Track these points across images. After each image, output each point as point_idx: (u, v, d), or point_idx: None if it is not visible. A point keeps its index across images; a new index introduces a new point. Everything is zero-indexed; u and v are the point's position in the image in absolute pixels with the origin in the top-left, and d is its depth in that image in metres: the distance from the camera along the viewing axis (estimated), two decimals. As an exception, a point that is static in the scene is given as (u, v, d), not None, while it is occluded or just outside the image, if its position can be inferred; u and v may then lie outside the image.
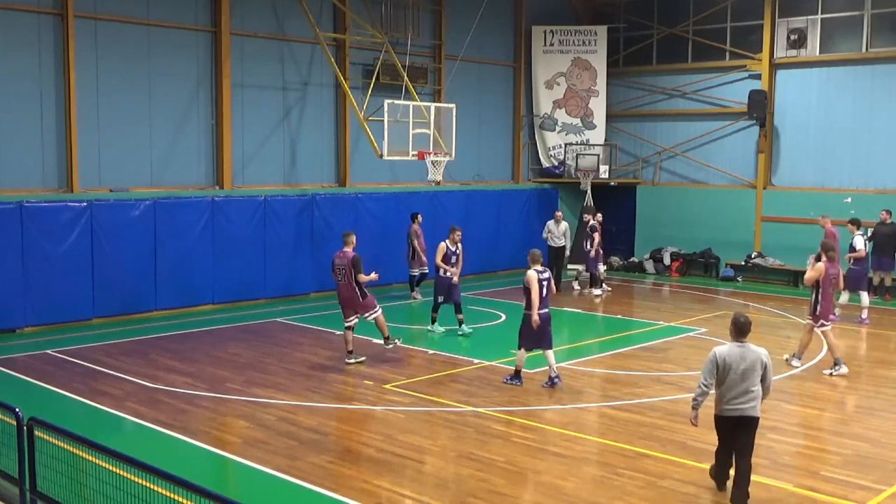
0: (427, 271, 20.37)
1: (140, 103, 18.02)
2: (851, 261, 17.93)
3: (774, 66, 23.52)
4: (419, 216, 20.30)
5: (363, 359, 13.96)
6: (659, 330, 17.08)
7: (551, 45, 26.19)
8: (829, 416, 11.53)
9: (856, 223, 18.17)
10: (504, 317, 17.56)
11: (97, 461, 7.45)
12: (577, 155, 25.23)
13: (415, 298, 20.12)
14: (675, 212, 25.11)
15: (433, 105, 20.07)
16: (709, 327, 16.98)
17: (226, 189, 19.18)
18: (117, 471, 7.10)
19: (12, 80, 16.28)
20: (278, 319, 17.60)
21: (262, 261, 19.39)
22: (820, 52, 22.84)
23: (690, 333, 16.56)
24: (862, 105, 22.12)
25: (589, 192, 24.54)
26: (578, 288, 21.64)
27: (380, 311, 14.03)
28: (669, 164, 25.78)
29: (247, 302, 19.16)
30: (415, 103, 19.27)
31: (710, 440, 8.98)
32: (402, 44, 21.13)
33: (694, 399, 8.49)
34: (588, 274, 21.62)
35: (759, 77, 23.64)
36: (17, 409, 7.61)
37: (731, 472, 8.50)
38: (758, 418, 8.33)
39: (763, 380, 8.29)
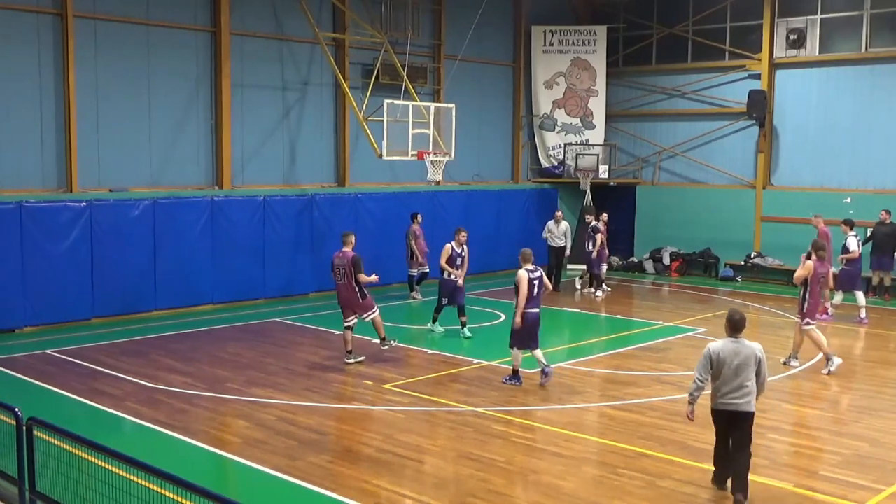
0: (427, 271, 20.37)
1: (139, 103, 18.02)
2: (844, 261, 17.95)
3: (774, 66, 23.52)
4: (418, 216, 20.30)
5: (362, 358, 13.97)
6: (658, 330, 17.09)
7: (551, 44, 26.19)
8: (829, 415, 11.53)
9: (849, 224, 18.19)
10: (503, 317, 17.55)
11: (97, 461, 7.45)
12: (576, 155, 25.24)
13: (414, 298, 20.12)
14: (675, 212, 25.11)
15: (433, 105, 20.07)
16: (708, 327, 16.98)
17: (225, 189, 19.17)
18: (117, 471, 7.10)
19: (12, 80, 16.28)
20: (278, 319, 17.60)
21: (261, 261, 19.39)
22: (819, 52, 22.85)
23: (690, 333, 16.56)
24: (861, 105, 22.13)
25: (588, 191, 24.56)
26: (579, 288, 21.59)
27: (377, 312, 14.04)
28: (669, 164, 25.79)
29: (246, 302, 19.16)
30: (414, 103, 19.27)
31: (710, 440, 8.99)
32: (401, 44, 21.13)
33: (689, 394, 8.65)
34: (589, 274, 21.61)
35: (758, 77, 23.65)
36: (17, 409, 7.61)
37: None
38: (752, 413, 8.43)
39: (758, 375, 8.39)
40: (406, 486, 8.84)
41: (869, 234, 20.39)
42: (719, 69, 24.56)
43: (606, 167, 25.33)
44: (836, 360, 13.62)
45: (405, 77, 20.25)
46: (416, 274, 20.27)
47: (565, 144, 26.07)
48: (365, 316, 13.92)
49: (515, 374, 12.74)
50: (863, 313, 17.86)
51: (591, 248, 21.06)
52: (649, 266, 25.22)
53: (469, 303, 16.87)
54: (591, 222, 21.44)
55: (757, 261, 23.49)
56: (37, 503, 7.62)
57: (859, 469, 9.39)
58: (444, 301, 16.15)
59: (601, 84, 26.17)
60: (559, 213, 21.69)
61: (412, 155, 19.15)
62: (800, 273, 13.68)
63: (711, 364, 8.39)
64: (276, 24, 20.12)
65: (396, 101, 18.95)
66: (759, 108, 23.09)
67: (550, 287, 13.07)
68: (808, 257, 13.73)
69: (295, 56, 20.54)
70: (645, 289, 22.95)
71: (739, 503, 8.25)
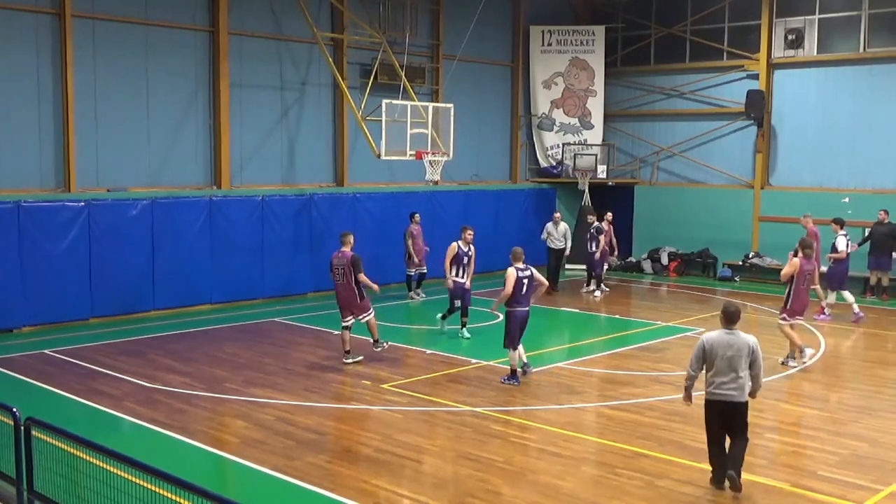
0: (425, 271, 20.36)
1: (138, 103, 18.00)
2: (832, 260, 18.01)
3: (772, 66, 23.53)
4: (416, 215, 20.29)
5: (360, 358, 13.96)
6: (657, 330, 17.09)
7: (549, 44, 26.19)
8: (827, 415, 11.53)
9: (839, 223, 18.23)
10: (502, 317, 17.46)
11: (95, 461, 7.44)
12: (574, 155, 25.25)
13: (412, 298, 20.12)
14: (673, 212, 25.12)
15: (431, 105, 20.07)
16: (706, 327, 16.93)
17: (224, 189, 19.16)
18: (115, 471, 7.10)
19: (10, 80, 16.27)
20: (276, 319, 17.59)
21: (259, 261, 19.38)
22: (817, 53, 22.86)
23: (688, 333, 16.56)
24: (859, 105, 22.14)
25: (587, 191, 24.57)
26: (593, 288, 21.42)
27: (373, 314, 14.06)
28: (667, 164, 25.79)
29: (245, 302, 19.15)
30: (413, 103, 19.27)
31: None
32: (399, 43, 21.13)
33: (685, 382, 8.96)
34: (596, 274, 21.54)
35: (756, 77, 23.66)
36: (15, 409, 7.61)
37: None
38: (745, 403, 8.62)
39: (752, 367, 8.54)
40: (405, 486, 8.83)
41: (867, 233, 20.43)
42: (717, 69, 24.56)
43: (605, 167, 25.34)
44: (808, 351, 13.93)
45: (403, 77, 20.25)
46: (413, 274, 20.26)
47: (563, 144, 26.07)
48: (361, 317, 13.91)
49: (513, 374, 12.74)
50: (856, 308, 17.93)
51: (594, 248, 21.03)
52: (647, 266, 25.23)
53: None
54: (592, 222, 21.38)
55: (755, 261, 23.50)
56: (35, 503, 7.62)
57: (857, 469, 9.39)
58: (457, 304, 15.94)
59: (599, 84, 26.17)
60: (558, 215, 21.60)
61: (410, 155, 19.16)
62: (786, 270, 13.90)
63: (705, 354, 8.59)
64: (274, 24, 20.12)
65: (395, 101, 18.95)
66: (758, 108, 23.10)
67: (546, 284, 13.05)
68: (796, 255, 13.93)
69: (293, 56, 20.54)
70: (643, 289, 22.95)
71: (731, 478, 8.48)
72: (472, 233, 16.29)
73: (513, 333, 12.67)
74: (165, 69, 18.33)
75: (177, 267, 17.95)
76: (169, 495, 6.39)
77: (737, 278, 23.71)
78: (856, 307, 17.93)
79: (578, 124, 26.33)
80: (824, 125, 22.73)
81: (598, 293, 21.09)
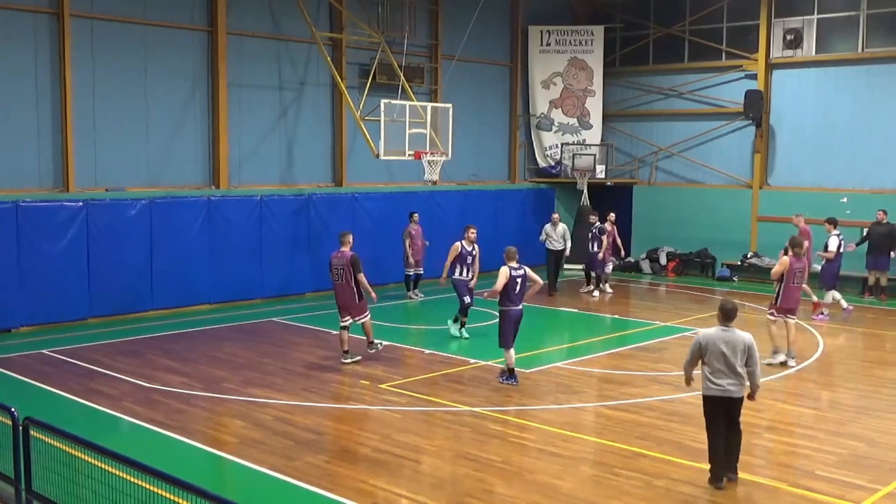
0: (420, 272, 20.36)
1: (136, 103, 18.00)
2: (823, 259, 18.07)
3: (770, 67, 23.54)
4: (415, 215, 20.29)
5: (359, 358, 13.96)
6: (655, 330, 17.10)
7: (548, 44, 26.19)
8: (825, 415, 11.54)
9: (832, 222, 18.27)
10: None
11: (93, 461, 7.44)
12: (573, 155, 25.25)
13: (411, 298, 20.12)
14: (672, 212, 25.13)
15: (430, 105, 20.07)
16: (705, 327, 16.92)
17: (222, 189, 19.16)
18: (113, 471, 7.09)
19: (8, 80, 16.26)
20: (275, 319, 17.59)
21: (258, 261, 19.38)
22: (816, 53, 22.87)
23: (686, 333, 16.56)
24: (858, 105, 22.15)
25: (585, 191, 24.57)
26: (591, 288, 21.41)
27: (369, 316, 14.08)
28: (666, 164, 25.80)
29: (243, 302, 19.14)
30: (411, 103, 19.27)
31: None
32: (398, 43, 21.13)
33: (684, 374, 9.29)
34: (604, 273, 21.51)
35: (755, 77, 23.67)
36: (13, 409, 7.60)
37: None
38: (742, 398, 8.79)
39: (748, 364, 8.69)
40: (403, 486, 8.83)
41: (865, 233, 20.45)
42: (716, 69, 24.58)
43: (603, 167, 25.35)
44: (780, 357, 13.98)
45: (402, 77, 20.25)
46: (411, 274, 20.26)
47: (562, 144, 26.08)
48: (357, 319, 13.90)
49: (511, 374, 12.74)
50: (825, 310, 18.03)
51: (596, 248, 20.99)
52: (646, 266, 25.24)
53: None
54: (594, 222, 21.31)
55: (753, 261, 23.50)
56: (33, 503, 7.61)
57: (856, 469, 9.40)
58: (467, 300, 15.76)
59: (598, 84, 26.17)
60: (556, 216, 21.47)
61: (409, 155, 19.15)
62: (776, 269, 14.09)
63: (701, 351, 8.77)
64: (273, 23, 20.11)
65: (393, 101, 18.94)
66: (756, 108, 23.11)
67: (540, 283, 13.05)
68: (786, 253, 14.07)
69: (292, 56, 20.53)
70: (642, 289, 22.96)
71: (731, 480, 8.71)
72: (475, 232, 16.22)
73: (507, 333, 12.70)
74: (164, 69, 18.32)
75: (175, 267, 17.94)
76: (168, 495, 6.38)
77: (735, 278, 23.72)
78: (843, 302, 18.04)
79: (577, 124, 26.34)
80: (823, 125, 22.74)
81: (596, 293, 21.08)
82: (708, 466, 8.92)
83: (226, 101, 19.13)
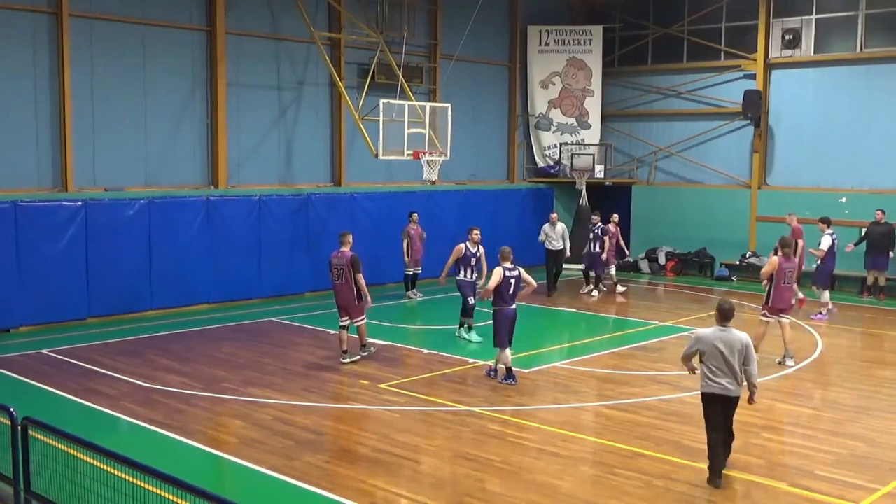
0: (419, 271, 20.36)
1: (135, 103, 17.99)
2: (818, 259, 18.11)
3: (769, 66, 23.55)
4: (414, 215, 20.29)
5: (357, 358, 13.96)
6: (654, 329, 17.10)
7: (546, 44, 26.19)
8: (825, 415, 11.54)
9: (826, 222, 18.31)
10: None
11: (92, 461, 7.43)
12: (572, 154, 25.25)
13: (409, 298, 20.11)
14: (670, 212, 25.13)
15: (428, 105, 20.07)
16: (703, 327, 16.94)
17: (221, 188, 19.15)
18: (112, 471, 7.09)
19: (7, 80, 16.25)
20: (274, 319, 17.58)
21: (257, 260, 19.37)
22: (815, 53, 22.88)
23: (685, 333, 16.56)
24: (857, 105, 22.15)
25: (584, 191, 24.57)
26: (591, 288, 21.39)
27: (365, 319, 14.06)
28: (664, 164, 25.81)
29: (242, 301, 19.13)
30: (410, 103, 19.26)
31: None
32: (397, 43, 21.13)
33: (684, 366, 9.49)
34: (610, 274, 21.48)
35: (753, 77, 23.68)
36: (12, 409, 7.60)
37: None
38: (738, 397, 8.90)
39: (745, 363, 8.82)
40: (402, 486, 8.83)
41: (864, 233, 20.47)
42: (715, 69, 24.58)
43: (602, 167, 25.34)
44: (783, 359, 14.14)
45: (401, 77, 20.24)
46: (411, 273, 20.26)
47: (561, 144, 26.08)
48: (355, 320, 13.89)
49: (509, 373, 12.75)
50: (824, 310, 18.07)
51: (598, 248, 20.95)
52: (645, 266, 25.25)
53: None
54: (596, 223, 21.23)
55: (752, 260, 23.50)
56: (32, 503, 7.61)
57: (855, 469, 9.40)
58: (472, 300, 15.53)
59: (597, 84, 26.17)
60: (554, 215, 21.38)
61: (408, 155, 19.15)
62: (765, 269, 14.20)
63: (699, 349, 8.92)
64: (271, 23, 20.10)
65: (392, 101, 18.94)
66: (755, 108, 23.12)
67: (534, 285, 13.06)
68: (776, 253, 14.15)
69: (291, 56, 20.52)
70: (641, 289, 22.95)
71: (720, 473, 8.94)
72: (479, 233, 16.06)
73: (501, 333, 12.72)
74: (163, 69, 18.31)
75: (174, 267, 17.93)
76: (167, 495, 6.38)
77: (734, 278, 23.73)
78: (830, 304, 18.09)
79: (576, 124, 26.34)
80: (821, 125, 22.75)
81: (595, 293, 21.06)
82: (706, 465, 8.95)
83: (225, 100, 19.13)
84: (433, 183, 21.78)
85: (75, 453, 7.72)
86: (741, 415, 9.79)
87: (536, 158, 26.59)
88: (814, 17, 22.82)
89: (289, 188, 20.33)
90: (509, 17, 25.78)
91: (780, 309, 14.04)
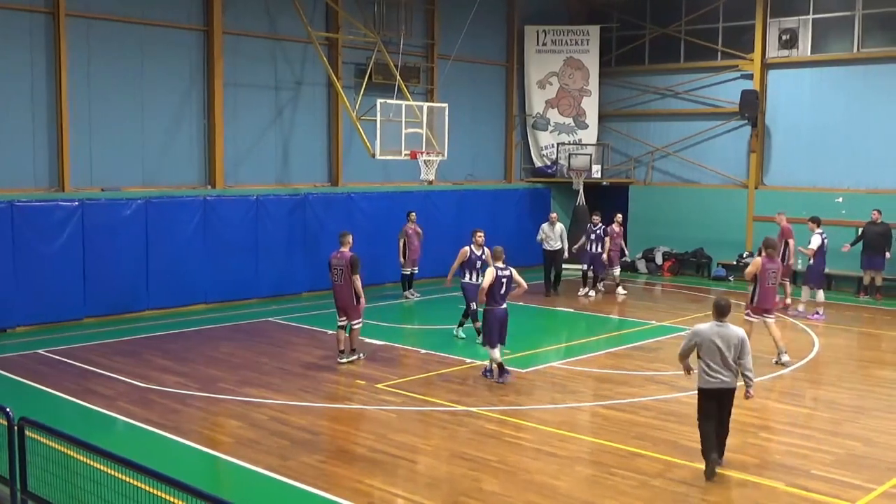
0: (417, 270, 20.34)
1: (132, 102, 17.97)
2: (809, 258, 18.13)
3: (766, 66, 23.57)
4: (412, 214, 20.27)
5: (354, 358, 13.94)
6: (651, 329, 17.11)
7: (544, 44, 26.20)
8: (821, 415, 11.55)
9: (816, 221, 18.36)
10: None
11: (88, 461, 7.42)
12: (569, 154, 25.25)
13: (407, 298, 20.10)
14: (667, 211, 25.14)
15: (426, 104, 20.07)
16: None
17: (218, 188, 19.14)
18: (109, 471, 7.08)
19: (4, 79, 16.23)
20: (271, 319, 17.57)
21: (254, 260, 19.36)
22: (811, 53, 22.90)
23: (682, 333, 16.54)
24: (853, 105, 22.17)
25: (581, 191, 24.57)
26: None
27: (361, 323, 14.03)
28: (661, 164, 25.82)
29: (239, 301, 19.12)
30: (407, 103, 19.26)
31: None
32: (394, 43, 21.12)
33: (681, 364, 9.63)
34: (613, 275, 21.47)
35: (750, 77, 23.69)
36: (8, 409, 7.58)
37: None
38: (734, 389, 9.15)
39: (741, 357, 9.04)
40: (399, 486, 8.83)
41: (860, 233, 20.48)
42: (712, 69, 24.60)
43: (599, 167, 25.34)
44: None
45: (398, 76, 20.24)
46: (408, 273, 20.24)
47: (558, 144, 26.08)
48: (352, 322, 13.87)
49: (502, 370, 12.76)
50: (821, 309, 18.09)
51: (599, 249, 20.92)
52: (642, 266, 25.26)
53: (460, 301, 16.82)
54: (597, 223, 21.15)
55: (749, 260, 23.43)
56: (28, 503, 7.59)
57: (852, 468, 9.41)
58: (474, 305, 15.27)
59: (594, 84, 26.18)
60: (554, 216, 21.29)
61: (405, 154, 19.14)
62: (749, 269, 14.28)
63: (697, 344, 9.11)
64: (269, 23, 20.09)
65: (389, 101, 18.94)
66: (752, 108, 23.13)
67: (525, 286, 13.08)
68: (760, 254, 14.20)
69: (288, 55, 20.51)
70: (638, 288, 22.94)
71: (716, 462, 9.04)
72: (483, 235, 15.88)
73: (492, 332, 12.77)
74: (160, 69, 18.29)
75: (171, 267, 17.92)
76: (163, 495, 6.37)
77: (731, 278, 23.74)
78: (820, 309, 18.14)
79: (573, 124, 26.35)
80: (818, 125, 22.77)
81: (592, 294, 21.03)
82: (703, 466, 8.97)
83: (222, 100, 19.11)
84: (430, 183, 21.81)
85: (72, 453, 7.71)
86: (738, 415, 9.81)
87: (534, 158, 26.59)
88: (811, 17, 22.84)
89: (286, 188, 20.32)
90: (506, 16, 25.78)
91: (764, 309, 14.10)
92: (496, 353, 12.78)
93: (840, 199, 22.08)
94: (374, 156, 19.11)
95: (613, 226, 21.27)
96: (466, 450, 9.85)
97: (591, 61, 26.12)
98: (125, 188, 17.79)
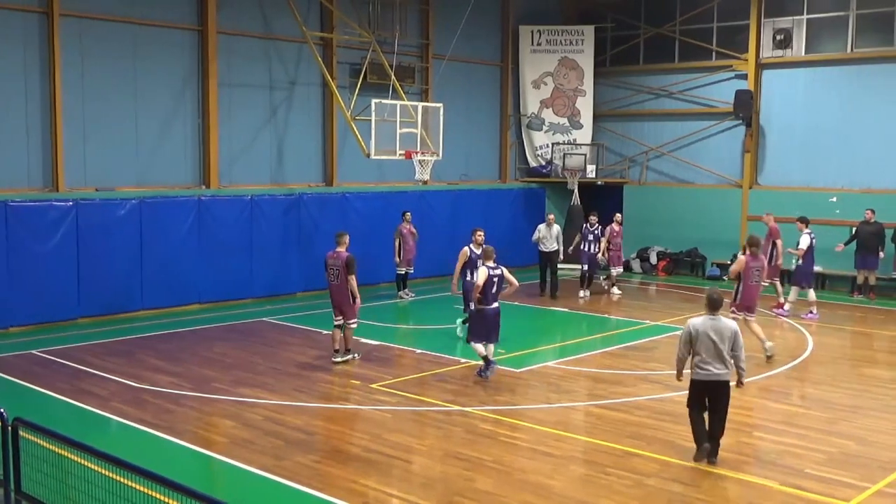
0: (412, 270, 20.33)
1: (126, 102, 17.93)
2: (797, 258, 18.18)
3: (760, 66, 23.61)
4: (407, 214, 20.27)
5: (349, 358, 13.93)
6: (645, 329, 17.13)
7: (538, 44, 26.21)
8: (815, 414, 11.57)
9: (804, 221, 18.42)
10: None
11: (82, 461, 7.41)
12: (564, 154, 25.27)
13: (401, 298, 20.09)
14: (662, 211, 25.17)
15: (420, 104, 20.06)
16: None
17: (212, 188, 19.11)
18: (102, 471, 7.06)
19: (-3, 79, 16.22)
20: (265, 319, 17.55)
21: (248, 260, 19.34)
22: (805, 53, 22.95)
23: (676, 332, 16.52)
24: (847, 105, 22.23)
25: (576, 191, 24.59)
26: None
27: (356, 323, 13.99)
28: (656, 164, 25.85)
29: (233, 301, 19.09)
30: (402, 103, 19.26)
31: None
32: (389, 43, 21.11)
33: (677, 365, 9.63)
34: (613, 274, 21.46)
35: (745, 77, 23.73)
36: (2, 410, 7.56)
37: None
38: (728, 382, 9.30)
39: (734, 349, 9.30)
40: (394, 486, 8.83)
41: (853, 233, 20.53)
42: (706, 69, 24.63)
43: (594, 167, 25.38)
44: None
45: (393, 76, 20.23)
46: (403, 273, 20.24)
47: (553, 144, 26.10)
48: (347, 322, 13.85)
49: (486, 364, 12.79)
50: (814, 309, 18.18)
51: (597, 249, 20.91)
52: (636, 265, 25.29)
53: (455, 301, 16.86)
54: (595, 223, 21.14)
55: (739, 260, 23.53)
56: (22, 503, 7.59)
57: (845, 467, 9.43)
58: (473, 306, 15.18)
59: (588, 84, 26.20)
60: (551, 217, 21.08)
61: (400, 154, 19.14)
62: (732, 268, 14.47)
63: (692, 338, 9.30)
64: (263, 23, 20.07)
65: (384, 101, 18.93)
66: (746, 107, 23.17)
67: (517, 285, 13.09)
68: (744, 252, 14.28)
69: (282, 55, 20.49)
70: (632, 288, 22.97)
71: (712, 463, 9.26)
72: (482, 234, 15.75)
73: (478, 329, 12.88)
74: (154, 68, 18.26)
75: (165, 267, 17.89)
76: (157, 495, 6.35)
77: (725, 277, 23.75)
78: (815, 308, 18.20)
79: (568, 124, 26.37)
80: (812, 125, 22.81)
81: (587, 294, 20.99)
82: (693, 456, 9.23)
83: (216, 100, 19.08)
84: (425, 183, 21.80)
85: (65, 454, 7.69)
86: (733, 414, 9.83)
87: (528, 158, 26.61)
88: (805, 17, 22.89)
89: (280, 188, 20.30)
90: (501, 17, 25.79)
91: (747, 307, 14.19)
92: (480, 347, 12.88)
93: (834, 199, 22.13)
94: (368, 156, 19.10)
95: (613, 225, 21.27)
96: (461, 449, 9.85)
97: (586, 61, 26.14)
98: (119, 188, 17.76)
